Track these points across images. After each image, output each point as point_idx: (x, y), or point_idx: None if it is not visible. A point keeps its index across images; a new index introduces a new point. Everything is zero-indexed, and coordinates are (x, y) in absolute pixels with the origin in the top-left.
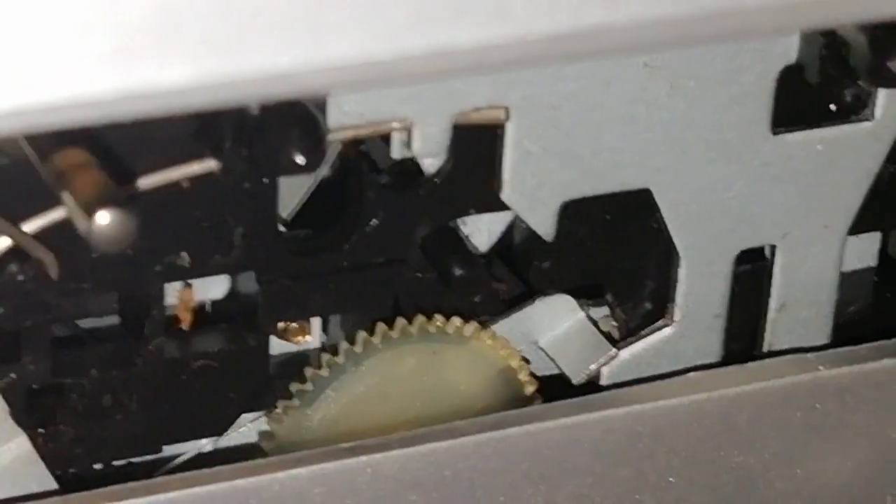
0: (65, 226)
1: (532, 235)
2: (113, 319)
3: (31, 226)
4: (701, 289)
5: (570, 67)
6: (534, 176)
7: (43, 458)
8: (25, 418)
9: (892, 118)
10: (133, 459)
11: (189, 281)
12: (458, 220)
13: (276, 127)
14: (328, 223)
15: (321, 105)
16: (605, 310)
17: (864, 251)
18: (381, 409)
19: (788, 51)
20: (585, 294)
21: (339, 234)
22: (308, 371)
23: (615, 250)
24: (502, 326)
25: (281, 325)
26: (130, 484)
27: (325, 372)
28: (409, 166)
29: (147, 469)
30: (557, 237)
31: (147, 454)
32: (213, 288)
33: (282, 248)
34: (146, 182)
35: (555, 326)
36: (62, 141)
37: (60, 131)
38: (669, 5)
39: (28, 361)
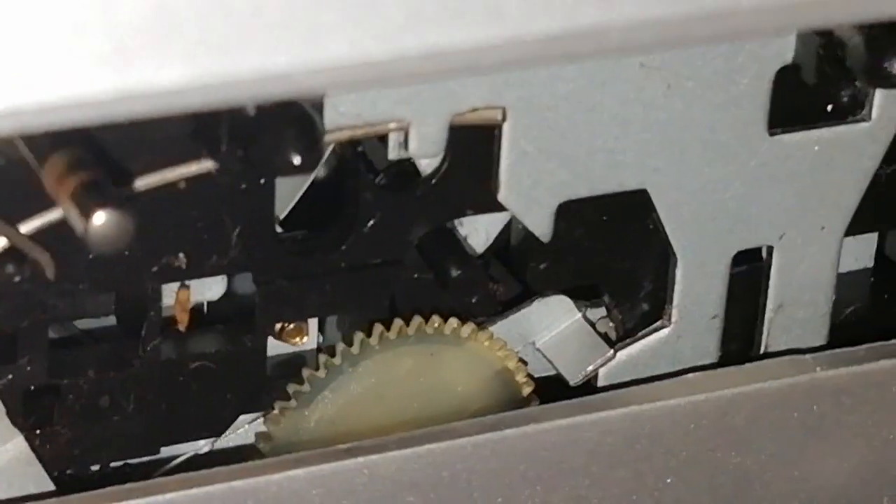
0: (62, 226)
1: (529, 236)
2: (110, 320)
3: (28, 226)
4: (698, 290)
5: (566, 68)
6: (530, 177)
7: (40, 459)
8: (22, 419)
9: (889, 119)
10: (130, 461)
11: (186, 282)
12: (455, 221)
13: (272, 127)
14: (325, 224)
15: (318, 105)
16: (602, 311)
17: (861, 252)
18: (378, 411)
19: (785, 51)
20: (582, 295)
21: (336, 235)
22: (305, 372)
23: (612, 251)
24: (499, 327)
25: (278, 326)
26: (128, 485)
27: (322, 373)
28: (406, 167)
29: (144, 470)
30: (554, 238)
31: (144, 455)
32: (209, 289)
33: (279, 248)
34: (143, 183)
35: (552, 327)
36: (59, 141)
37: (57, 132)
38: (665, 6)
39: (25, 362)
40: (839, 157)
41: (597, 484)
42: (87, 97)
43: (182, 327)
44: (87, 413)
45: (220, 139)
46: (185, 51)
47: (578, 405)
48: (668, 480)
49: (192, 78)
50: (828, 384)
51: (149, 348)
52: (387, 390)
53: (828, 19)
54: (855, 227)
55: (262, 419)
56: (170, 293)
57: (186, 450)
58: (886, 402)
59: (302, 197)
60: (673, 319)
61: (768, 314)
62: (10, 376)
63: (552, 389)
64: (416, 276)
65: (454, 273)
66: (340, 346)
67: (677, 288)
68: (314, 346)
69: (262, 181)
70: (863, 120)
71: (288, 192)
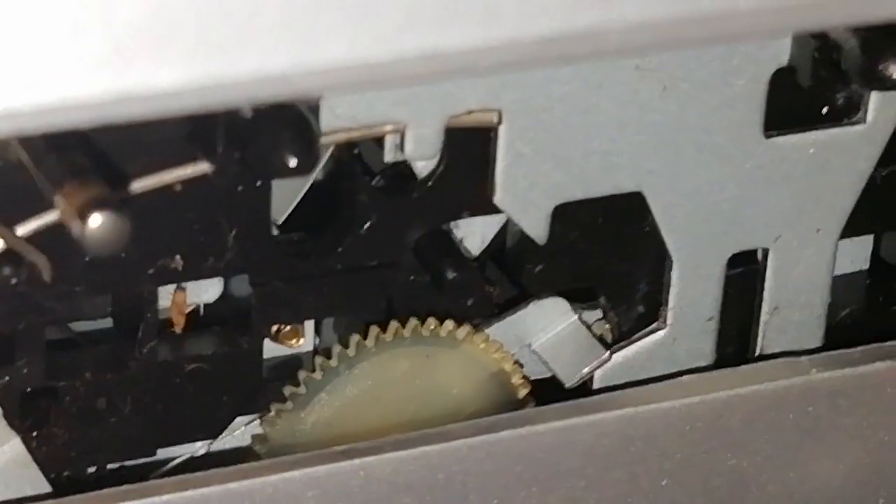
0: (58, 229)
1: (525, 238)
2: (106, 322)
3: (24, 229)
4: (693, 292)
5: (562, 70)
6: (526, 179)
7: (37, 460)
8: (19, 421)
9: (885, 121)
10: (127, 462)
11: (182, 284)
12: (451, 223)
13: (269, 130)
14: (321, 226)
15: (314, 108)
16: (598, 313)
17: (857, 254)
18: (374, 412)
19: (780, 53)
20: (578, 297)
21: (333, 237)
22: (301, 374)
23: (608, 253)
24: (495, 330)
25: (274, 328)
26: (124, 487)
27: (318, 375)
28: (402, 169)
29: (141, 472)
30: (550, 240)
31: (141, 457)
32: (206, 291)
33: (275, 250)
34: (139, 185)
35: (548, 329)
36: (55, 143)
37: (54, 133)
38: (661, 8)
39: (22, 364)
40: (835, 159)
41: (592, 486)
42: (85, 99)
43: (178, 329)
44: (83, 415)
45: (217, 141)
46: (182, 52)
47: (574, 407)
48: (664, 482)
49: (189, 80)
50: (823, 386)
51: (145, 350)
52: (383, 392)
53: (823, 22)
54: (850, 230)
55: (258, 421)
56: (166, 295)
57: (183, 452)
58: (882, 403)
59: (298, 199)
60: (669, 321)
61: (764, 316)
62: (7, 378)
63: (548, 391)
64: (412, 278)
65: (450, 275)
66: (337, 348)
67: (673, 290)
68: (310, 348)
69: (259, 183)
70: (858, 122)
71: (287, 196)
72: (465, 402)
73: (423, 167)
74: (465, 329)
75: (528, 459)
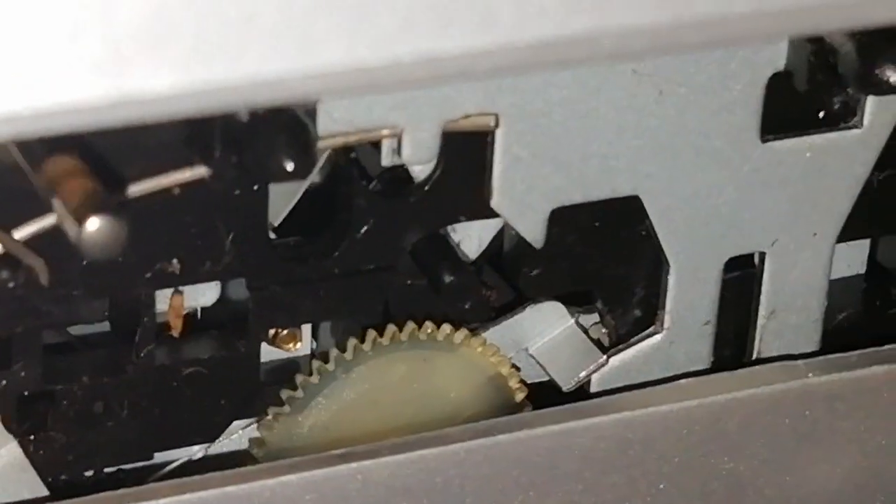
0: (55, 232)
1: (522, 242)
2: (104, 326)
3: (21, 232)
4: (690, 296)
5: (559, 74)
6: (523, 183)
7: (34, 464)
8: (16, 425)
9: (881, 125)
10: (124, 466)
11: (180, 287)
12: (449, 227)
13: (266, 134)
14: (319, 230)
15: (311, 112)
16: (595, 317)
17: (853, 258)
18: (371, 416)
19: (777, 58)
20: (575, 301)
21: (330, 241)
22: (299, 378)
23: (605, 257)
24: (492, 333)
25: (271, 331)
26: (121, 490)
27: (315, 379)
28: (400, 173)
29: (138, 476)
30: (547, 244)
31: (138, 461)
32: (203, 294)
33: (272, 254)
34: (137, 189)
35: (545, 333)
36: (53, 147)
37: (51, 137)
38: (658, 12)
39: (19, 368)
40: (831, 163)
41: (590, 489)
42: (82, 103)
43: (176, 333)
44: (81, 419)
45: (214, 145)
46: (180, 57)
47: (571, 411)
48: (661, 486)
49: (187, 84)
50: (820, 390)
51: (142, 354)
52: (380, 396)
53: (819, 26)
54: (847, 234)
55: (255, 425)
56: (163, 299)
57: (180, 455)
58: (879, 407)
59: (295, 203)
60: (666, 325)
61: (761, 320)
62: (4, 382)
63: (545, 395)
64: (409, 282)
65: (447, 279)
66: (334, 352)
67: (670, 294)
68: (308, 351)
69: (256, 187)
70: (855, 127)
71: (284, 200)
72: (462, 405)
73: (420, 171)
74: (462, 333)
75: (525, 463)
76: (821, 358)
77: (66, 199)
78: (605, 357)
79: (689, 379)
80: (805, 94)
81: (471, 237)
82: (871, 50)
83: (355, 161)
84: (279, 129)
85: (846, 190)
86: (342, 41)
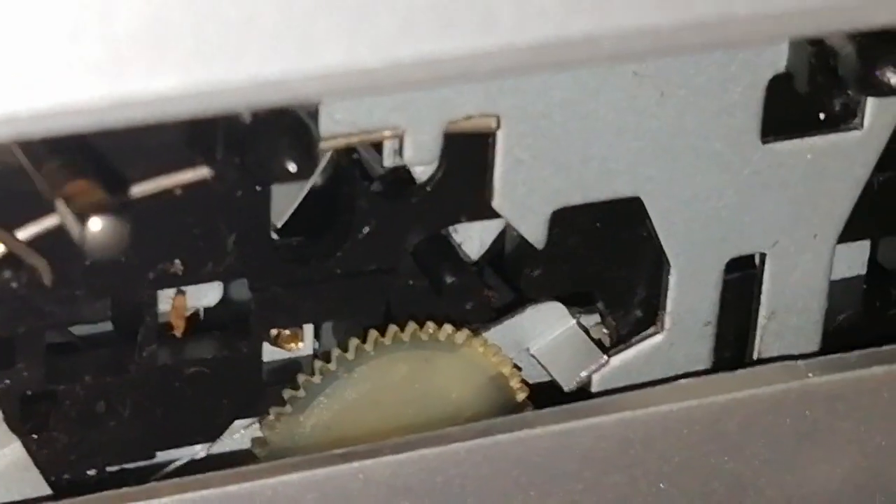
0: (58, 233)
1: (523, 243)
2: (106, 326)
3: (24, 233)
4: (691, 297)
5: (560, 76)
6: (524, 184)
7: (37, 464)
8: (19, 424)
9: (881, 127)
10: (127, 465)
11: (182, 288)
12: (450, 228)
13: (268, 135)
14: (321, 231)
15: (313, 113)
16: (596, 317)
17: (854, 259)
18: (373, 416)
19: (777, 60)
20: (576, 301)
21: (332, 242)
22: (300, 378)
23: (606, 258)
24: (494, 334)
25: (273, 331)
26: (124, 489)
27: (317, 379)
28: (401, 174)
29: (140, 475)
30: (548, 245)
31: (140, 460)
32: (206, 295)
33: (274, 255)
34: (139, 189)
35: (546, 334)
36: (55, 148)
37: (53, 138)
38: (659, 14)
39: (22, 367)
40: (832, 165)
41: (590, 489)
42: (84, 104)
43: (178, 333)
44: (83, 418)
45: (216, 146)
46: (181, 58)
47: (572, 411)
48: (662, 486)
49: (188, 85)
50: (821, 390)
51: (145, 354)
52: (382, 396)
53: (820, 28)
54: (847, 235)
55: (257, 424)
56: (166, 299)
57: (182, 455)
58: (879, 408)
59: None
60: (666, 326)
61: (761, 321)
62: (7, 381)
63: (546, 395)
64: (410, 282)
65: (449, 280)
66: (336, 352)
67: (670, 295)
68: (310, 351)
69: (258, 188)
70: (855, 128)
71: (286, 201)
72: (463, 405)
73: (421, 172)
74: (463, 333)
75: (526, 463)
76: (821, 358)
77: (68, 200)
78: (606, 357)
79: (690, 379)
80: (805, 96)
81: (472, 238)
82: (871, 52)
83: (357, 162)
84: (281, 130)
85: (846, 191)
86: (343, 42)
